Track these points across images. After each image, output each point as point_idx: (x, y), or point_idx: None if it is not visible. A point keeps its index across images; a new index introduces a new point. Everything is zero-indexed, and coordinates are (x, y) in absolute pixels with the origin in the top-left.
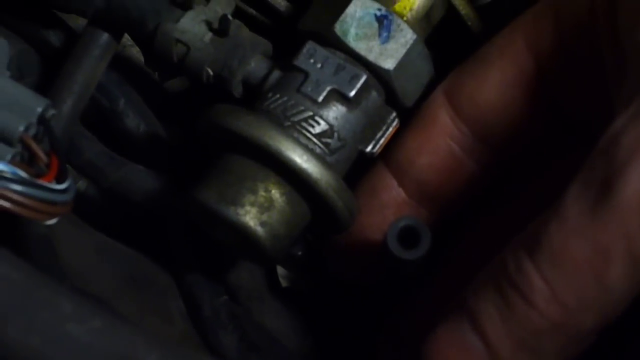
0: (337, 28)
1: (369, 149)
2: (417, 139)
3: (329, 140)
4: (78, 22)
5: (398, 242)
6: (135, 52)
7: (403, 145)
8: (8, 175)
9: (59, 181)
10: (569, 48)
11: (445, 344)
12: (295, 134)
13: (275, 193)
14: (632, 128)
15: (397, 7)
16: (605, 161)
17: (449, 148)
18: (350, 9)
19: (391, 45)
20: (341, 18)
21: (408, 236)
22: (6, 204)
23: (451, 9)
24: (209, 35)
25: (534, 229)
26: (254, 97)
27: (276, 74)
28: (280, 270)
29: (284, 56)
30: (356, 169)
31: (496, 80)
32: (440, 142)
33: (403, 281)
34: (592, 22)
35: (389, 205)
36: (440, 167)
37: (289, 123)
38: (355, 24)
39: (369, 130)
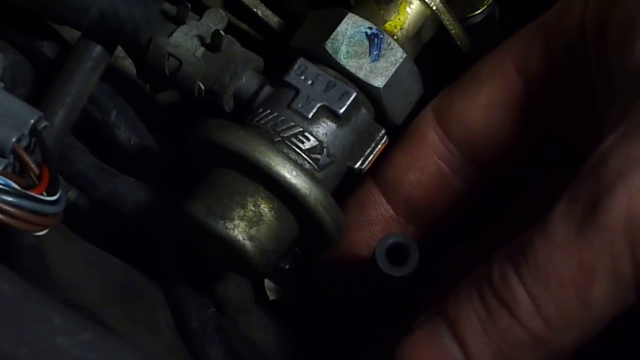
0: (328, 45)
1: (357, 165)
2: (406, 157)
3: (318, 156)
4: (72, 34)
5: (386, 259)
6: (128, 64)
7: (392, 162)
8: None
9: (50, 193)
10: (558, 69)
11: (422, 348)
12: (285, 150)
13: (264, 207)
14: (619, 149)
15: (388, 25)
16: (593, 181)
17: (436, 166)
18: (341, 27)
19: (381, 64)
20: (332, 36)
21: (396, 253)
22: None
23: (441, 29)
24: (201, 50)
25: (521, 243)
26: (244, 112)
27: (267, 89)
28: (267, 283)
29: (275, 72)
30: (344, 185)
31: (485, 101)
32: (428, 160)
33: (390, 297)
34: (582, 44)
35: (377, 222)
36: (428, 185)
37: (279, 138)
38: (346, 42)
39: (358, 146)
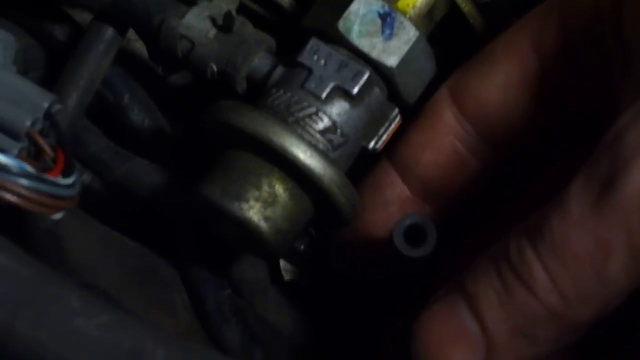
0: (341, 25)
1: (371, 145)
2: (422, 136)
3: (332, 136)
4: (83, 16)
5: (404, 240)
6: (140, 47)
7: (407, 142)
8: (15, 170)
9: (65, 176)
10: (574, 47)
11: (440, 322)
12: (299, 130)
13: (279, 188)
14: (636, 126)
15: (400, 4)
16: (609, 157)
17: (452, 146)
18: (353, 6)
19: (394, 43)
20: (345, 15)
21: (414, 234)
22: (13, 198)
23: (454, 7)
24: (213, 32)
25: (538, 219)
26: (257, 93)
27: (280, 70)
28: (283, 264)
29: (287, 52)
30: (359, 165)
31: (501, 80)
32: (444, 140)
33: (408, 278)
34: (597, 21)
35: (393, 202)
36: (444, 165)
37: (292, 119)
38: (359, 21)
39: (372, 126)
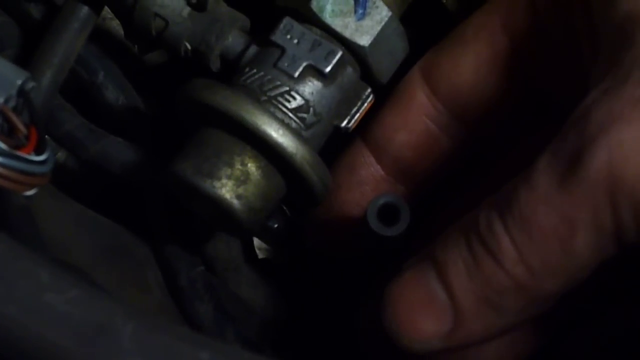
0: (314, 4)
1: (344, 124)
2: (395, 116)
3: (304, 115)
4: None
5: (378, 219)
6: (115, 25)
7: (380, 122)
8: None
9: (38, 153)
10: (543, 28)
11: (409, 289)
12: (272, 109)
13: (252, 166)
14: (602, 103)
15: None
16: (576, 134)
17: (425, 126)
18: None
19: (367, 22)
20: None
21: (388, 213)
22: None
23: None
24: (187, 10)
25: (506, 192)
26: (231, 71)
27: (253, 49)
28: (257, 242)
29: (261, 32)
30: (332, 145)
31: (472, 60)
32: (417, 120)
33: (382, 256)
34: (566, 2)
35: (367, 182)
36: (417, 145)
37: (265, 98)
38: (332, 1)
39: (344, 105)
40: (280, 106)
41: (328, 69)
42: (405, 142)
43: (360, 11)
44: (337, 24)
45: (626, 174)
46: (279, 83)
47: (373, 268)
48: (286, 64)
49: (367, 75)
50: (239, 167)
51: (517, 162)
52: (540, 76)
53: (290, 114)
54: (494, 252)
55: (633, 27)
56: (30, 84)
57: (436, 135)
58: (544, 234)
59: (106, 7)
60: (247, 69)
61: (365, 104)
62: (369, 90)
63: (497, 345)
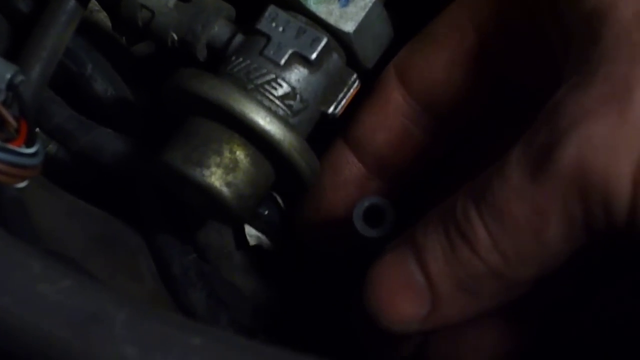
0: None
1: (330, 110)
2: (373, 117)
3: (291, 102)
4: None
5: (364, 221)
6: (103, 17)
7: (360, 122)
8: None
9: (28, 145)
10: (511, 25)
11: (390, 272)
12: (259, 97)
13: (240, 154)
14: (572, 98)
15: None
16: (547, 128)
17: (403, 125)
18: None
19: (351, 9)
20: None
21: (373, 215)
22: None
23: None
24: (173, 1)
25: (481, 182)
26: (218, 61)
27: (239, 37)
28: (248, 229)
29: (246, 21)
30: (318, 131)
31: (443, 58)
32: (394, 120)
33: (369, 255)
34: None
35: (352, 181)
36: (397, 143)
37: (252, 86)
38: None
39: (331, 92)
40: (267, 94)
41: (314, 55)
42: (385, 142)
43: None
44: (321, 10)
45: (595, 167)
46: (265, 71)
47: (362, 268)
48: (272, 52)
49: (352, 61)
50: (228, 155)
51: (493, 154)
52: (512, 71)
53: (277, 102)
54: (469, 239)
55: (599, 23)
56: (20, 78)
57: (413, 132)
58: (517, 224)
59: (93, 0)
60: (233, 58)
61: (352, 90)
62: (354, 75)
63: (490, 334)
